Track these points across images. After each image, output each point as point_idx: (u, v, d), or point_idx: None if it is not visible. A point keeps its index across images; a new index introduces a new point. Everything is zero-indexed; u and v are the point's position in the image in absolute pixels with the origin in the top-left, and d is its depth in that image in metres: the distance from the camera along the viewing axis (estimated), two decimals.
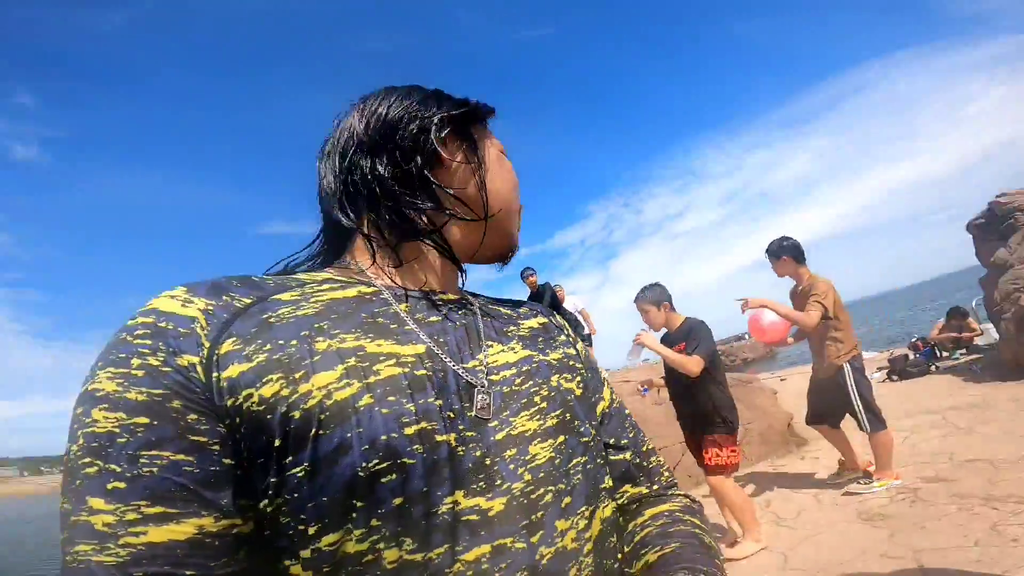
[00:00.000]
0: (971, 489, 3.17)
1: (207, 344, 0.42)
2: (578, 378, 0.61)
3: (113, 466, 0.38)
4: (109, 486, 0.38)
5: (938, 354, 7.95)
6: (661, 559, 0.54)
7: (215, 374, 0.41)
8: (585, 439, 0.56)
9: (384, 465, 0.42)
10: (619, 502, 0.61)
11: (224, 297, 0.46)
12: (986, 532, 2.54)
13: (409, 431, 0.44)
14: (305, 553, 0.40)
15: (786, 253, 3.80)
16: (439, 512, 0.43)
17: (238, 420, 0.41)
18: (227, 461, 0.40)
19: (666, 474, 0.67)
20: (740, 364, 21.28)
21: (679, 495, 0.65)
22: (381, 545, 0.41)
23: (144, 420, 0.39)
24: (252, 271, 0.54)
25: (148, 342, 0.41)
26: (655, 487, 0.64)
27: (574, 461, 0.53)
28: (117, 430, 0.39)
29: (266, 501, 0.41)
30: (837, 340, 3.70)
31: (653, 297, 3.29)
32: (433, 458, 0.44)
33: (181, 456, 0.39)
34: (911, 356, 8.17)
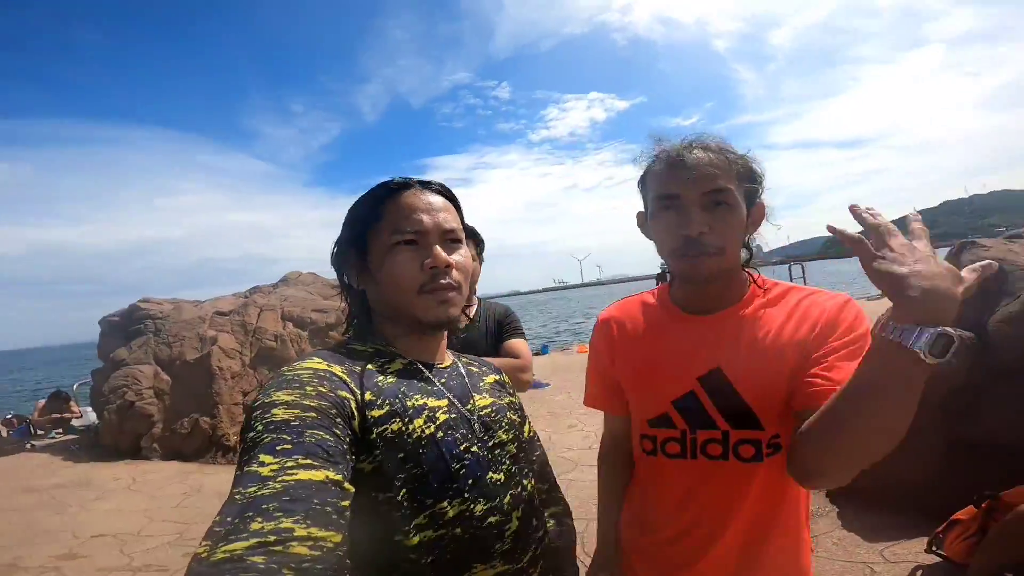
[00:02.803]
0: (110, 562, 3.68)
1: (357, 391, 0.69)
2: (518, 414, 0.94)
3: (285, 436, 0.56)
4: (279, 447, 0.55)
5: (33, 432, 7.85)
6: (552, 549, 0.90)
7: (368, 412, 0.69)
8: (524, 443, 0.92)
9: (459, 465, 0.74)
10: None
11: (346, 364, 0.73)
12: None
13: (462, 447, 0.76)
14: (425, 515, 0.69)
15: None
16: (489, 484, 0.76)
17: (376, 439, 0.68)
18: (343, 447, 0.61)
19: (552, 479, 1.04)
20: None
21: (562, 499, 1.05)
22: (471, 505, 0.73)
23: (313, 415, 0.60)
24: None
25: (316, 380, 0.66)
26: (546, 486, 1.02)
27: (523, 452, 0.89)
28: (293, 420, 0.59)
29: (397, 489, 0.68)
30: None
31: None
32: (476, 459, 0.76)
33: (328, 437, 0.59)
34: (5, 433, 7.67)
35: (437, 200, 0.84)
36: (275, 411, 0.59)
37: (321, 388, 0.65)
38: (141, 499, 5.01)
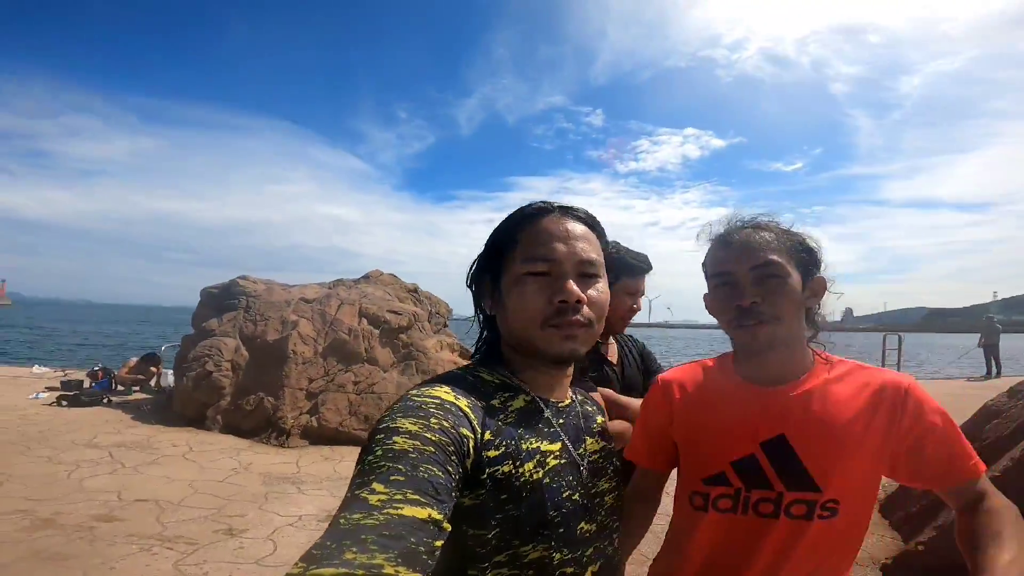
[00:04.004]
0: (143, 529, 3.40)
1: (479, 429, 0.68)
2: (620, 461, 0.93)
3: (400, 466, 0.56)
4: (392, 478, 0.55)
5: (113, 386, 8.06)
6: None
7: (484, 452, 0.68)
8: (621, 491, 0.89)
9: (557, 513, 0.72)
10: None
11: (472, 398, 0.72)
12: (171, 571, 2.81)
13: (564, 495, 0.74)
14: (506, 555, 0.68)
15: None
16: (578, 533, 0.74)
17: (486, 479, 0.67)
18: (453, 484, 0.60)
19: None
20: None
21: None
22: (553, 553, 0.71)
23: (431, 449, 0.60)
24: None
25: (441, 412, 0.65)
26: None
27: (620, 503, 0.87)
28: (411, 450, 0.58)
29: (490, 527, 0.67)
30: None
31: None
32: (574, 508, 0.74)
33: (440, 473, 0.58)
34: (88, 383, 7.91)
35: (577, 228, 0.79)
36: (397, 439, 0.60)
37: (444, 423, 0.64)
38: (192, 469, 4.82)
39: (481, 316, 0.86)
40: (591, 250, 0.78)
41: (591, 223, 0.82)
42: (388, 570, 0.46)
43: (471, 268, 0.85)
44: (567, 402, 0.85)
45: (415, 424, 0.61)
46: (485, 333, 0.87)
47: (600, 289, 0.79)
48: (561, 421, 0.81)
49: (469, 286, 0.86)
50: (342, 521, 0.50)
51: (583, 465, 0.78)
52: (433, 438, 0.60)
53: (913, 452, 0.90)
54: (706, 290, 1.04)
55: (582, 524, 0.74)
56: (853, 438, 0.91)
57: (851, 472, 0.90)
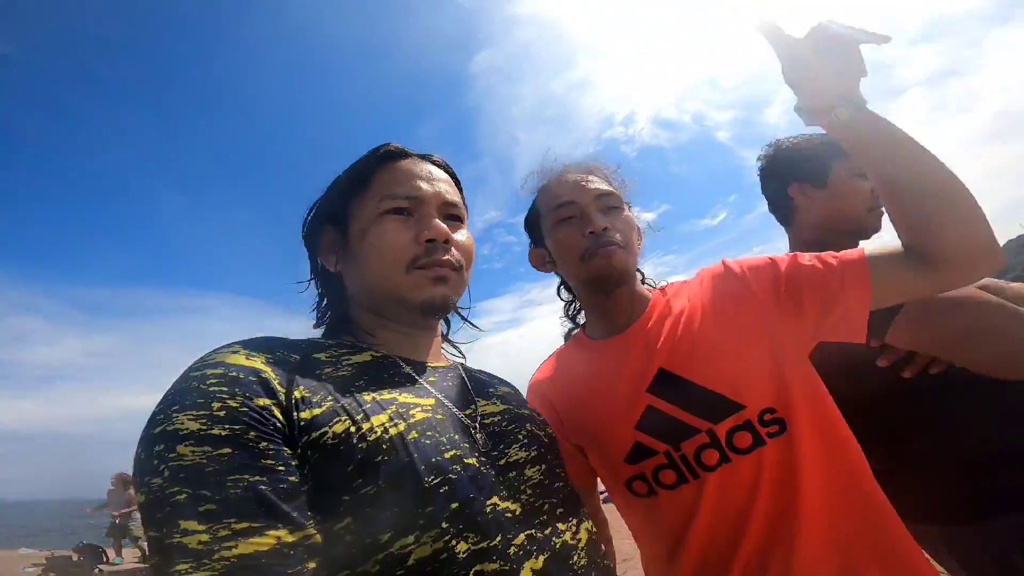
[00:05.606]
0: None
1: (282, 390, 0.51)
2: (548, 428, 0.74)
3: (204, 492, 0.42)
4: (201, 509, 0.41)
5: (106, 559, 7.52)
6: None
7: (295, 414, 0.50)
8: (559, 470, 0.68)
9: (439, 479, 0.51)
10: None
11: (278, 353, 0.55)
12: None
13: (447, 455, 0.54)
14: (376, 560, 0.46)
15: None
16: (487, 512, 0.53)
17: (310, 452, 0.49)
18: (292, 479, 0.46)
19: None
20: None
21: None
22: (453, 541, 0.49)
23: (228, 450, 0.44)
24: None
25: (225, 388, 0.48)
26: None
27: (556, 484, 0.65)
28: (204, 461, 0.43)
29: (338, 519, 0.47)
30: None
31: None
32: (468, 474, 0.54)
33: (260, 479, 0.44)
34: (75, 558, 7.39)
35: (438, 171, 0.71)
36: (181, 450, 0.44)
37: (232, 403, 0.47)
38: None
39: (319, 279, 0.74)
40: (454, 194, 0.72)
41: (451, 172, 0.75)
42: None
43: (306, 221, 0.72)
44: (442, 364, 0.72)
45: (196, 420, 0.45)
46: (325, 300, 0.74)
47: (466, 235, 0.71)
48: (433, 379, 0.66)
49: (305, 242, 0.73)
50: None
51: (475, 428, 0.62)
52: (223, 433, 0.45)
53: (787, 292, 0.80)
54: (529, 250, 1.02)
55: (494, 500, 0.55)
56: (719, 329, 0.83)
57: (753, 365, 0.79)
